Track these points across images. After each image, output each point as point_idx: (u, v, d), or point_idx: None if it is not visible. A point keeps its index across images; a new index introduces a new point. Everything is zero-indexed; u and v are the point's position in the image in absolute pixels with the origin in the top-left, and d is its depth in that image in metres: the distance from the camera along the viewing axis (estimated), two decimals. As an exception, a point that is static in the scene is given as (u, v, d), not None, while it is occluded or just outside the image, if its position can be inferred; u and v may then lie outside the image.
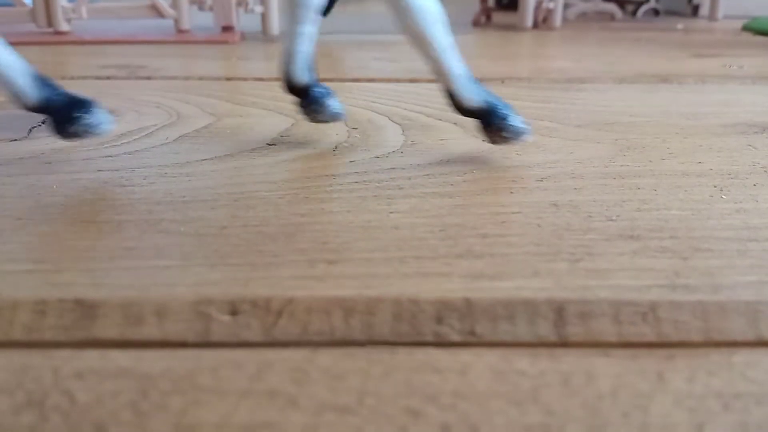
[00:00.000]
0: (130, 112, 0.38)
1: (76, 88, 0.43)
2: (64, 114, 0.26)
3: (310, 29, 0.29)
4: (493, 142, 0.28)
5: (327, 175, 0.27)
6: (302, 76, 0.30)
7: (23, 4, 0.77)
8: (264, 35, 0.79)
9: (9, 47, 0.26)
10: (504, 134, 0.27)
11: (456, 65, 0.26)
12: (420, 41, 0.25)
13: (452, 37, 0.25)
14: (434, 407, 0.14)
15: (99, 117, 0.27)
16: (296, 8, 0.29)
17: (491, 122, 0.27)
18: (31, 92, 0.26)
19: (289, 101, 0.41)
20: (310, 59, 0.30)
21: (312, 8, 0.28)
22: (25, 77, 0.26)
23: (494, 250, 0.20)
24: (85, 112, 0.26)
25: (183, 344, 0.16)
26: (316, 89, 0.30)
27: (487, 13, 0.99)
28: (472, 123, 0.36)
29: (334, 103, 0.31)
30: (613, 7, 1.09)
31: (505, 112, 0.27)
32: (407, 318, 0.17)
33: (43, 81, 0.26)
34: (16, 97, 0.26)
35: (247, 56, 0.63)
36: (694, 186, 0.26)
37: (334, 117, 0.31)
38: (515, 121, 0.27)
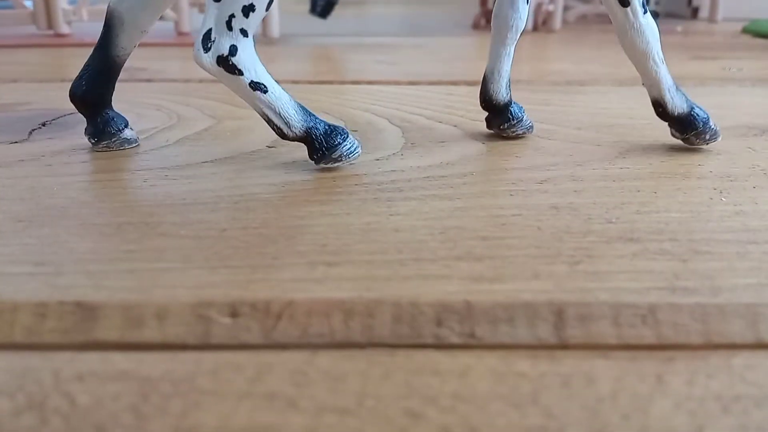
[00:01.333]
0: (131, 115, 0.38)
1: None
2: (325, 142, 0.27)
3: (513, 50, 0.32)
4: (690, 143, 0.31)
5: (327, 178, 0.27)
6: (505, 95, 0.33)
7: (24, 7, 0.78)
8: (264, 37, 0.79)
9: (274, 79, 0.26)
10: (706, 137, 0.31)
11: (668, 78, 0.30)
12: (641, 55, 0.29)
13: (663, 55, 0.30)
14: (434, 409, 0.14)
15: (354, 143, 0.27)
16: (507, 31, 0.32)
17: (695, 127, 0.30)
18: (297, 122, 0.26)
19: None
20: (509, 78, 0.33)
21: (519, 31, 0.32)
22: (292, 107, 0.26)
23: (494, 252, 0.20)
24: (343, 140, 0.27)
25: (183, 347, 0.16)
26: (515, 105, 0.33)
27: (487, 15, 0.99)
28: (472, 125, 0.36)
29: (527, 117, 0.33)
30: (612, 10, 1.09)
31: (705, 116, 0.30)
32: (407, 320, 0.17)
33: (304, 110, 0.27)
34: (284, 127, 0.26)
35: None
36: (694, 188, 0.26)
37: (529, 130, 0.34)
38: (713, 125, 0.30)
